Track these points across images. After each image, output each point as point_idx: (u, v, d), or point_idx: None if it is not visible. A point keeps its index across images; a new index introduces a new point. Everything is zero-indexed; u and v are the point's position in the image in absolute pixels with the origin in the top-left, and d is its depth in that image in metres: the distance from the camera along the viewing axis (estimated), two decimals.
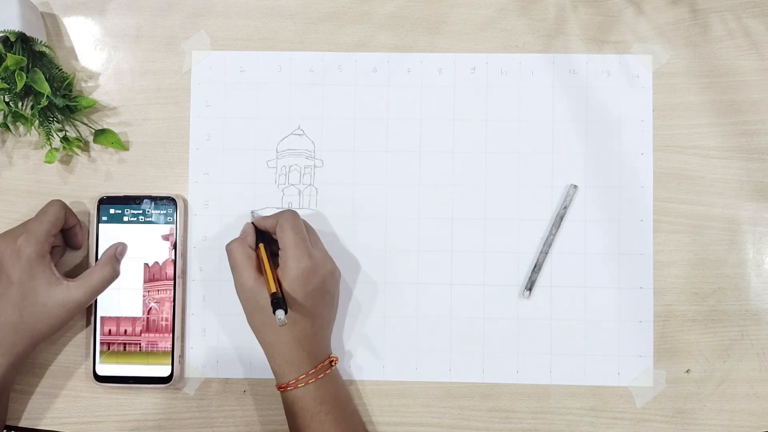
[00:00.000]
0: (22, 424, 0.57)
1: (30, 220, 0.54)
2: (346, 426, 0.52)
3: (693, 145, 0.58)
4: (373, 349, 0.58)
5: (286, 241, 0.52)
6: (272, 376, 0.58)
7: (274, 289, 0.50)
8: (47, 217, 0.53)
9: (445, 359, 0.58)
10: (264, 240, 0.55)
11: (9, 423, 0.57)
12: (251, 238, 0.55)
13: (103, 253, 0.56)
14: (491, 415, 0.57)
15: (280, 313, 0.48)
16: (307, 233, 0.54)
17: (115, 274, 0.55)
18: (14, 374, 0.53)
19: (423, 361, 0.58)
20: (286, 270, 0.52)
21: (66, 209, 0.55)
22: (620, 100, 0.59)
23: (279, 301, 0.49)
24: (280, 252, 0.53)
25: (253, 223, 0.57)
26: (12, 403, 0.57)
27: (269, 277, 0.51)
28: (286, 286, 0.51)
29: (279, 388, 0.53)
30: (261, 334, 0.53)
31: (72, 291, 0.52)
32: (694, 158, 0.58)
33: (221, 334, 0.58)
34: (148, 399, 0.58)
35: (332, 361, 0.54)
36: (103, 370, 0.57)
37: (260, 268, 0.53)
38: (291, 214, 0.54)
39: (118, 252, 0.56)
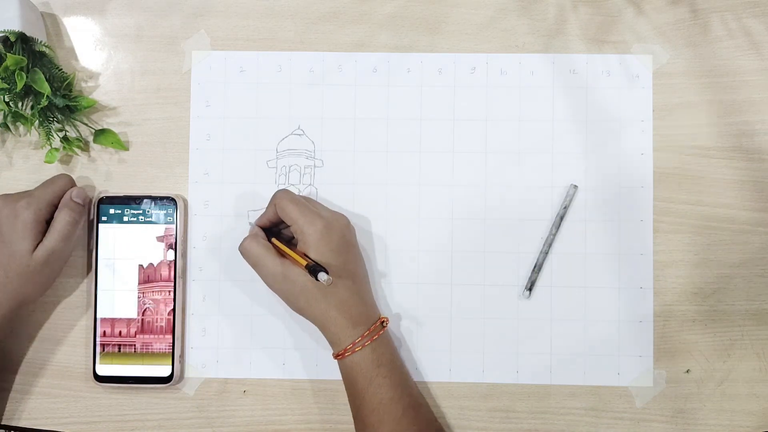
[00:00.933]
0: (22, 424, 0.57)
1: (36, 187, 0.55)
2: (403, 389, 0.52)
3: (693, 145, 0.58)
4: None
5: (292, 214, 0.52)
6: (272, 376, 0.58)
7: (305, 262, 0.50)
8: (52, 187, 0.55)
9: (445, 359, 0.58)
10: (272, 235, 0.55)
11: (9, 423, 0.57)
12: (261, 234, 0.55)
13: (62, 199, 0.55)
14: (491, 415, 0.57)
15: (322, 275, 0.49)
16: (307, 201, 0.54)
17: (76, 214, 0.54)
18: (1, 335, 0.54)
19: (423, 361, 0.58)
20: (305, 238, 0.52)
21: (73, 185, 0.56)
22: (620, 100, 0.59)
23: (315, 266, 0.49)
24: (291, 228, 0.53)
25: (255, 223, 0.57)
26: (12, 403, 0.57)
27: (294, 255, 0.51)
28: (312, 252, 0.52)
29: (337, 356, 0.53)
30: (307, 310, 0.53)
31: (45, 243, 0.53)
32: (694, 158, 0.58)
33: (221, 334, 0.58)
34: (148, 399, 0.58)
35: (383, 321, 0.54)
36: (103, 370, 0.57)
37: (281, 255, 0.53)
38: (283, 192, 0.54)
39: (73, 195, 0.55)
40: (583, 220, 0.58)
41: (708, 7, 0.59)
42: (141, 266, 0.57)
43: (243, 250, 0.54)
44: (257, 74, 0.59)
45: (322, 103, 0.59)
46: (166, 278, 0.57)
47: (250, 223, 0.58)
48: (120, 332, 0.57)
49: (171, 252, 0.57)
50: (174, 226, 0.57)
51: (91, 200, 0.57)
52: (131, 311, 0.57)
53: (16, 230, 0.52)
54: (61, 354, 0.58)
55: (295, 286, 0.52)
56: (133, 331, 0.57)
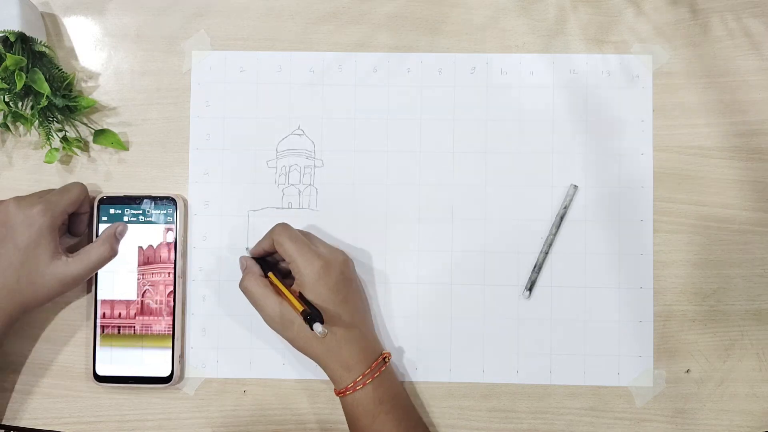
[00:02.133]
0: (22, 424, 0.57)
1: (50, 192, 0.55)
2: (407, 423, 0.52)
3: (693, 145, 0.58)
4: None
5: (290, 252, 0.52)
6: (272, 376, 0.58)
7: (301, 308, 0.50)
8: (68, 195, 0.54)
9: (445, 359, 0.58)
10: (269, 267, 0.55)
11: (9, 423, 0.57)
12: (257, 269, 0.55)
13: (104, 231, 0.56)
14: (491, 415, 0.57)
15: (317, 326, 0.48)
16: (306, 238, 0.54)
17: (112, 253, 0.55)
18: (2, 338, 0.54)
19: (424, 361, 0.58)
20: (302, 278, 0.52)
21: (86, 194, 0.56)
22: (620, 100, 0.59)
23: (311, 315, 0.49)
24: (290, 266, 0.53)
25: (251, 255, 0.57)
26: (12, 403, 0.57)
27: (291, 299, 0.51)
28: (309, 293, 0.51)
29: (338, 393, 0.52)
30: (310, 350, 0.53)
31: (70, 266, 0.53)
32: (694, 158, 0.58)
33: (221, 334, 0.58)
34: (148, 399, 0.58)
35: (385, 357, 0.54)
36: (103, 370, 0.57)
37: (279, 293, 0.53)
38: (282, 227, 0.54)
39: (117, 232, 0.56)
40: (583, 220, 0.58)
41: (708, 7, 0.59)
42: (140, 248, 0.57)
43: (244, 289, 0.54)
44: (257, 74, 0.59)
45: (322, 103, 0.59)
46: (165, 260, 0.57)
47: (246, 249, 0.58)
48: (120, 314, 0.57)
49: (171, 235, 0.57)
50: (174, 226, 0.57)
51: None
52: (131, 294, 0.57)
53: (31, 238, 0.52)
54: (61, 354, 0.58)
55: (293, 327, 0.52)
56: (133, 312, 0.57)
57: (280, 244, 0.53)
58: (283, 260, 0.54)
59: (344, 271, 0.53)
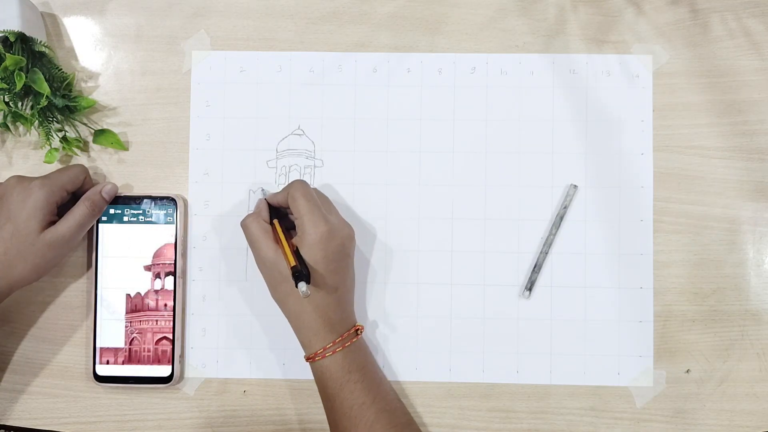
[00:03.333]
0: (22, 424, 0.57)
1: (51, 172, 0.56)
2: (376, 394, 0.52)
3: (693, 145, 0.58)
4: (373, 349, 0.58)
5: (300, 209, 0.52)
6: (272, 376, 0.58)
7: (293, 263, 0.50)
8: (68, 172, 0.55)
9: (445, 359, 0.58)
10: (278, 216, 0.55)
11: (9, 423, 0.57)
12: (265, 213, 0.55)
13: (89, 190, 0.56)
14: (491, 415, 0.57)
15: (302, 285, 0.48)
16: (320, 201, 0.54)
17: (94, 210, 0.55)
18: None
19: (423, 361, 0.58)
20: (304, 236, 0.52)
21: (87, 175, 0.57)
22: (620, 100, 0.59)
23: (300, 273, 0.49)
24: (296, 221, 0.53)
25: (265, 199, 0.56)
26: (12, 403, 0.57)
27: (287, 251, 0.51)
28: (305, 252, 0.51)
29: (307, 359, 0.53)
30: (285, 305, 0.53)
31: (58, 228, 0.53)
32: (694, 158, 0.58)
33: (221, 334, 0.58)
34: (148, 399, 0.58)
35: (357, 329, 0.54)
36: (103, 370, 0.57)
37: (278, 241, 0.53)
38: (300, 183, 0.54)
39: (104, 191, 0.56)
40: (583, 220, 0.58)
41: (708, 7, 0.59)
42: (129, 296, 0.57)
43: (243, 226, 0.54)
44: (257, 74, 0.59)
45: (322, 103, 0.59)
46: (152, 308, 0.57)
47: (262, 190, 0.58)
48: (108, 361, 0.57)
49: (153, 282, 0.57)
50: (174, 226, 0.57)
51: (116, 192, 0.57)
52: (119, 341, 0.57)
53: (25, 208, 0.52)
54: (61, 354, 0.58)
55: (280, 277, 0.52)
56: (120, 360, 0.57)
57: (294, 199, 0.53)
58: (293, 214, 0.54)
59: (345, 245, 0.53)
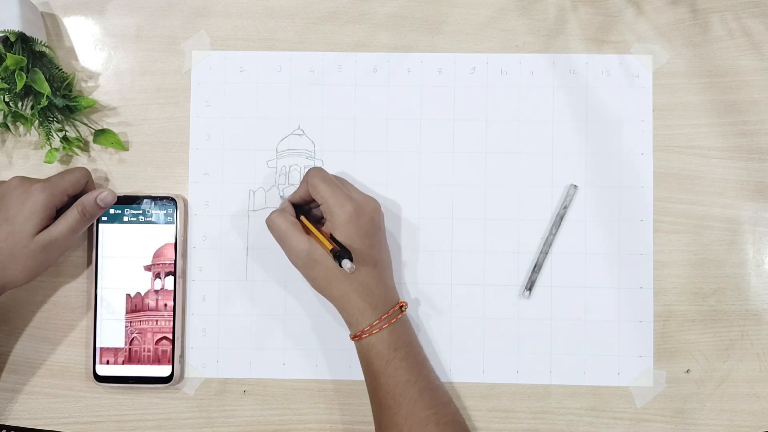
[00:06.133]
0: (22, 424, 0.57)
1: (53, 175, 0.55)
2: (419, 372, 0.52)
3: (693, 145, 0.58)
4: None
5: (323, 193, 0.52)
6: (272, 376, 0.58)
7: (330, 246, 0.50)
8: (70, 176, 0.55)
9: (445, 359, 0.58)
10: (303, 213, 0.55)
11: (9, 423, 0.57)
12: (290, 209, 0.55)
13: (84, 195, 0.55)
14: (491, 415, 0.57)
15: (346, 262, 0.48)
16: (339, 182, 0.54)
17: (89, 215, 0.54)
18: None
19: None
20: (333, 219, 0.52)
21: (89, 179, 0.56)
22: (620, 100, 0.59)
23: (341, 252, 0.49)
24: (321, 208, 0.53)
25: (287, 198, 0.56)
26: (12, 404, 0.57)
27: (320, 237, 0.51)
28: (338, 234, 0.51)
29: (353, 337, 0.53)
30: (328, 291, 0.53)
31: (50, 231, 0.53)
32: (694, 158, 0.58)
33: (221, 334, 0.58)
34: (148, 399, 0.58)
35: (402, 305, 0.54)
36: (103, 370, 0.57)
37: (308, 233, 0.53)
38: (316, 170, 0.54)
39: (99, 198, 0.55)
40: (583, 220, 0.58)
41: (708, 7, 0.59)
42: (128, 295, 0.57)
43: (270, 222, 0.54)
44: (257, 74, 0.59)
45: (322, 103, 0.59)
46: (152, 308, 0.57)
47: (281, 197, 0.58)
48: (108, 361, 0.57)
49: (154, 282, 0.57)
50: (174, 226, 0.57)
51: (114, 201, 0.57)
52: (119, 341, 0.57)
53: (23, 210, 0.52)
54: (61, 354, 0.58)
55: (317, 266, 0.52)
56: (120, 360, 0.57)
57: (314, 186, 0.53)
58: (317, 206, 0.54)
59: (375, 218, 0.53)
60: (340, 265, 0.48)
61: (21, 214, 0.52)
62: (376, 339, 0.52)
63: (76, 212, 0.54)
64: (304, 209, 0.56)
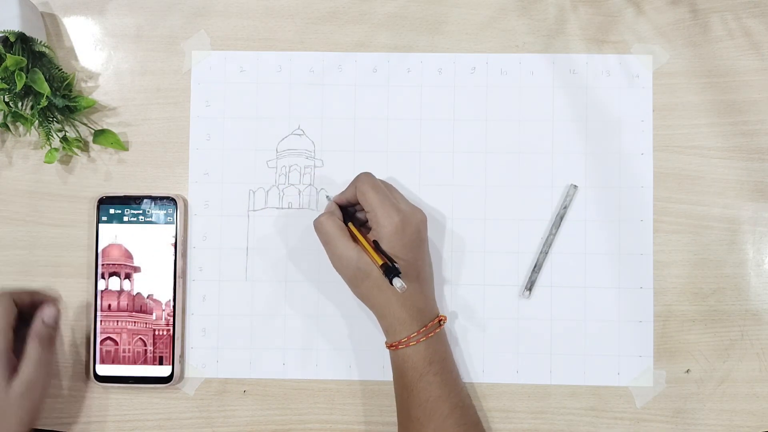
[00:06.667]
0: None
1: None
2: (452, 388, 0.52)
3: (693, 145, 0.58)
4: (373, 350, 0.58)
5: (371, 202, 0.52)
6: (272, 376, 0.58)
7: (381, 261, 0.50)
8: (1, 311, 0.51)
9: None
10: (348, 217, 0.55)
11: None
12: (338, 212, 0.54)
13: (32, 325, 0.52)
14: (491, 415, 0.57)
15: (397, 281, 0.48)
16: (387, 190, 0.53)
17: (47, 340, 0.52)
18: None
19: None
20: (379, 229, 0.51)
21: (12, 305, 0.52)
22: (620, 100, 0.59)
23: (391, 268, 0.49)
24: (368, 215, 0.53)
25: (334, 200, 0.56)
26: None
27: (369, 249, 0.51)
28: (384, 244, 0.51)
29: (390, 346, 0.52)
30: (369, 300, 0.53)
31: (21, 376, 0.50)
32: (694, 158, 0.58)
33: (221, 334, 0.58)
34: (148, 399, 0.58)
35: (441, 320, 0.53)
36: (103, 370, 0.57)
37: (355, 240, 0.52)
38: (366, 176, 0.53)
39: (45, 318, 0.52)
40: (583, 220, 0.58)
41: (708, 7, 0.59)
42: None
43: (318, 225, 0.53)
44: (257, 74, 0.59)
45: (322, 103, 0.59)
46: (166, 258, 0.57)
47: (327, 197, 0.58)
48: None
49: (171, 235, 0.57)
50: (174, 226, 0.57)
51: (60, 312, 0.54)
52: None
53: None
54: (60, 354, 0.58)
55: (362, 274, 0.51)
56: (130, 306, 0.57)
57: (363, 193, 0.52)
58: (362, 210, 0.54)
59: (421, 230, 0.53)
60: (391, 283, 0.49)
61: None
62: (412, 350, 0.51)
63: (36, 345, 0.52)
64: (349, 211, 0.56)
